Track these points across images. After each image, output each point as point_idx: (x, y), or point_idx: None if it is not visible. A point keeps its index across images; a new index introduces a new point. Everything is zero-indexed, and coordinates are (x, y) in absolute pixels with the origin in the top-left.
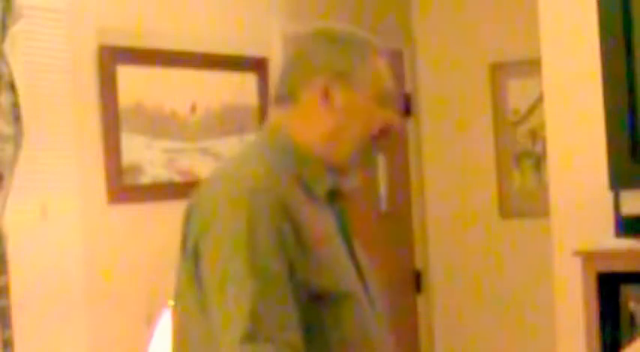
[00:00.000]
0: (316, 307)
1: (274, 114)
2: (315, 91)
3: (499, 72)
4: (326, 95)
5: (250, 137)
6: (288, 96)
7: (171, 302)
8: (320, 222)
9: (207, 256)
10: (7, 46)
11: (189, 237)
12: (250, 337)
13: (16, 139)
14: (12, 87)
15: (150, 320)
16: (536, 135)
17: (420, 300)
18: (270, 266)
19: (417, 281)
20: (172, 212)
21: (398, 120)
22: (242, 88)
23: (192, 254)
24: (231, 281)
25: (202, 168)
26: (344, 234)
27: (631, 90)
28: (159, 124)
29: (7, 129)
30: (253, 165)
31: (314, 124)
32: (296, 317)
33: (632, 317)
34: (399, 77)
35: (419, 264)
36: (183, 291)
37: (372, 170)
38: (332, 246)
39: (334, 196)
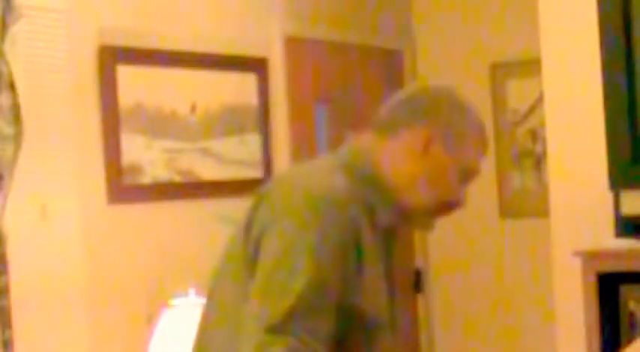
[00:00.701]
0: (349, 328)
1: (368, 137)
2: (419, 135)
3: (499, 72)
4: (427, 143)
5: (337, 149)
6: (389, 127)
7: (198, 296)
8: (375, 250)
9: (270, 246)
10: (7, 46)
11: (255, 225)
12: (278, 329)
13: (16, 139)
14: (12, 87)
15: (150, 320)
16: (536, 135)
17: (420, 300)
18: (325, 274)
19: (417, 281)
20: (172, 212)
21: (465, 197)
22: (242, 88)
23: (253, 243)
24: (283, 274)
25: (202, 168)
26: (387, 269)
27: (631, 90)
28: (159, 124)
29: (7, 129)
30: (333, 177)
31: (402, 163)
32: (328, 330)
33: (632, 317)
34: (399, 77)
35: (419, 264)
36: (230, 277)
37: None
38: (378, 274)
39: (388, 235)
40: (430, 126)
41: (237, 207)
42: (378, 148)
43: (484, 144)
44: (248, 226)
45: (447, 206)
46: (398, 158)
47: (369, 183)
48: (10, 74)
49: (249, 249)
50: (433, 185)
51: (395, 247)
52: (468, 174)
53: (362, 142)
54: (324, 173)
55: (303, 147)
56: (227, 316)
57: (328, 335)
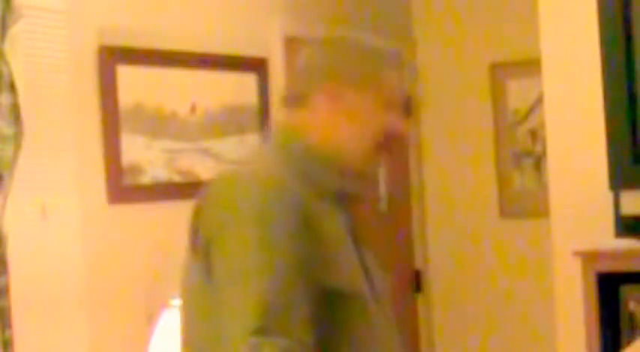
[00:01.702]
0: (326, 306)
1: (284, 115)
2: (326, 94)
3: (499, 72)
4: (335, 98)
5: (259, 137)
6: (299, 99)
7: (178, 302)
8: (331, 222)
9: (222, 251)
10: (7, 46)
11: (201, 234)
12: (261, 330)
13: (16, 139)
14: (12, 87)
15: (150, 320)
16: (536, 135)
17: (420, 300)
18: (283, 262)
19: (417, 281)
20: (172, 212)
21: (403, 125)
22: (242, 88)
23: (204, 250)
24: (245, 275)
25: (202, 168)
26: (353, 236)
27: (631, 90)
28: (159, 124)
29: (7, 129)
30: (267, 166)
31: (323, 127)
32: (307, 314)
33: (632, 317)
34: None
35: (419, 264)
36: (191, 289)
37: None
38: (342, 247)
39: (344, 199)
40: (329, 79)
41: None
42: (298, 121)
43: (394, 66)
44: (194, 233)
45: (387, 139)
46: (318, 123)
47: (306, 158)
48: (10, 74)
49: (200, 255)
50: (358, 127)
51: (356, 217)
52: (393, 104)
53: (283, 120)
54: (255, 164)
55: None
56: (199, 322)
57: (310, 319)
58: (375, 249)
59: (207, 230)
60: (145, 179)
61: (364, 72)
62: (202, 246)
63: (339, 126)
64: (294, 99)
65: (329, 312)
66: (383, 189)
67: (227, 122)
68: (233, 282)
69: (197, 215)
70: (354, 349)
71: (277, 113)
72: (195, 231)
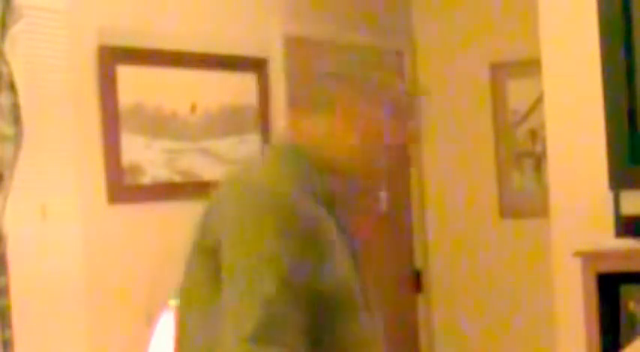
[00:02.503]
0: (321, 312)
1: (293, 122)
2: (335, 107)
3: (499, 72)
4: (333, 103)
5: (268, 138)
6: (313, 104)
7: (175, 300)
8: (332, 231)
9: (228, 254)
10: (7, 46)
11: (209, 234)
12: (256, 337)
13: (16, 139)
14: (12, 87)
15: (150, 320)
16: (536, 135)
17: (420, 300)
18: (287, 270)
19: (417, 281)
20: (172, 212)
21: (403, 136)
22: (242, 88)
23: (212, 251)
24: (247, 281)
25: (202, 168)
26: (350, 243)
27: (631, 90)
28: (159, 124)
29: (7, 129)
30: (273, 170)
31: (336, 135)
32: (303, 322)
33: (632, 317)
34: (399, 77)
35: (419, 264)
36: (193, 290)
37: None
38: (341, 256)
39: (345, 207)
40: (346, 91)
41: None
42: (308, 127)
43: (393, 68)
44: (202, 235)
45: (380, 142)
46: (330, 130)
47: (309, 166)
48: (10, 74)
49: (208, 256)
50: (351, 128)
51: (351, 222)
52: (402, 112)
53: (291, 127)
54: (263, 169)
55: None
56: (197, 324)
57: (305, 326)
58: (375, 250)
59: (216, 233)
60: (145, 179)
61: (375, 82)
62: (211, 248)
63: (331, 127)
64: (308, 104)
65: (320, 318)
66: (383, 189)
67: (227, 122)
68: (235, 286)
69: (206, 216)
70: None
71: (287, 115)
72: (203, 232)
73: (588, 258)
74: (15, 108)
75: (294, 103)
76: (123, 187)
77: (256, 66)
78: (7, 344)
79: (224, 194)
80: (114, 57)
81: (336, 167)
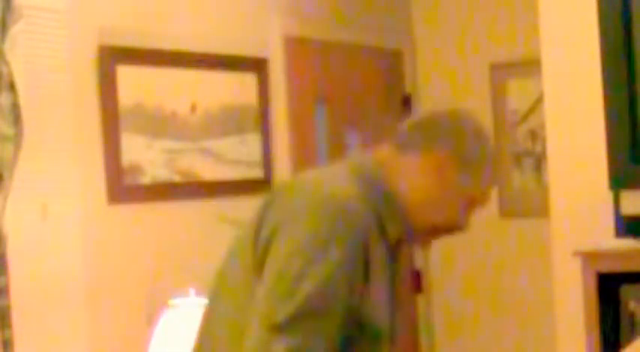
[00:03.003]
0: (355, 335)
1: (385, 152)
2: (436, 158)
3: (499, 72)
4: (443, 167)
5: (351, 157)
6: (408, 145)
7: (206, 297)
8: (382, 260)
9: (279, 248)
10: (7, 46)
11: (265, 225)
12: (281, 329)
13: (16, 139)
14: (12, 87)
15: (150, 320)
16: (536, 135)
17: (420, 300)
18: (333, 278)
19: (417, 281)
20: (172, 212)
21: (467, 228)
22: (242, 88)
23: (263, 243)
24: (292, 276)
25: (202, 168)
26: (393, 281)
27: (631, 90)
28: (159, 124)
29: (7, 129)
30: (347, 184)
31: (415, 182)
32: (333, 335)
33: (632, 317)
34: (399, 77)
35: (419, 264)
36: (236, 277)
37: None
38: (383, 286)
39: (397, 244)
40: (448, 151)
41: (237, 207)
42: (394, 163)
43: (495, 175)
44: (258, 227)
45: (450, 229)
46: (412, 176)
47: (380, 196)
48: (10, 74)
49: (258, 249)
50: (441, 208)
51: (400, 261)
52: (476, 202)
53: (378, 155)
54: (338, 180)
55: (303, 147)
56: (232, 317)
57: (334, 340)
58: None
59: (271, 226)
60: (145, 179)
61: (477, 162)
62: (263, 239)
63: (426, 191)
64: (403, 142)
65: (353, 337)
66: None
67: (227, 122)
68: (278, 280)
69: (265, 210)
70: None
71: (382, 147)
72: (258, 226)
73: (588, 257)
74: (15, 108)
75: (395, 137)
76: (123, 187)
77: (256, 66)
78: (7, 344)
79: (288, 193)
80: (114, 57)
81: (404, 210)
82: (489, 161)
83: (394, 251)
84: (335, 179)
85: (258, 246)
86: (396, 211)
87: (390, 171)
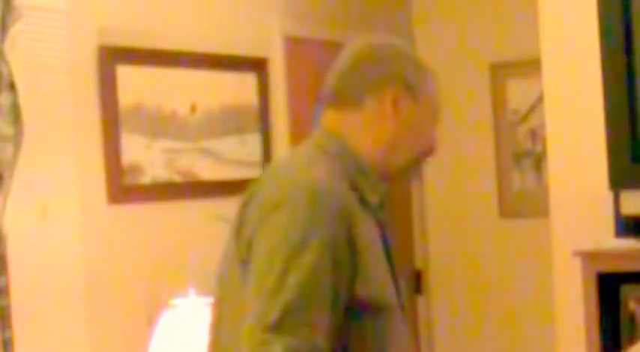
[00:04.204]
0: (358, 315)
1: (330, 116)
2: (384, 100)
3: (499, 72)
4: (395, 103)
5: (307, 137)
6: (349, 100)
7: (211, 298)
8: (370, 231)
9: (261, 245)
10: (7, 46)
11: (246, 224)
12: (276, 327)
13: (16, 139)
14: (12, 87)
15: (150, 320)
16: (536, 135)
17: (420, 300)
18: (317, 266)
19: (417, 281)
20: (172, 212)
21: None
22: (242, 88)
23: (246, 242)
24: (276, 271)
25: (202, 168)
26: (385, 244)
27: (631, 90)
28: (159, 124)
29: (7, 129)
30: (316, 167)
31: (375, 132)
32: (329, 321)
33: (632, 317)
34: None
35: (419, 264)
36: (228, 278)
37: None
38: (378, 257)
39: (381, 207)
40: (390, 85)
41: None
42: (347, 125)
43: (435, 78)
44: (239, 226)
45: (428, 152)
46: (369, 128)
47: (352, 164)
48: (10, 74)
49: (242, 249)
50: (412, 139)
51: (387, 221)
52: (436, 117)
53: (329, 125)
54: (305, 164)
55: None
56: (231, 317)
57: (331, 328)
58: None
59: (251, 225)
60: (145, 179)
61: (420, 80)
62: (245, 241)
63: (391, 133)
64: (342, 99)
65: (358, 321)
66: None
67: (227, 122)
68: (262, 277)
69: (244, 208)
70: None
71: (321, 112)
72: (240, 225)
73: (588, 257)
74: (15, 108)
75: (330, 96)
76: (123, 187)
77: (256, 66)
78: (7, 344)
79: (261, 188)
80: (114, 57)
81: (378, 167)
82: (426, 70)
83: (380, 217)
84: (302, 164)
85: (242, 246)
86: (371, 174)
87: (348, 134)
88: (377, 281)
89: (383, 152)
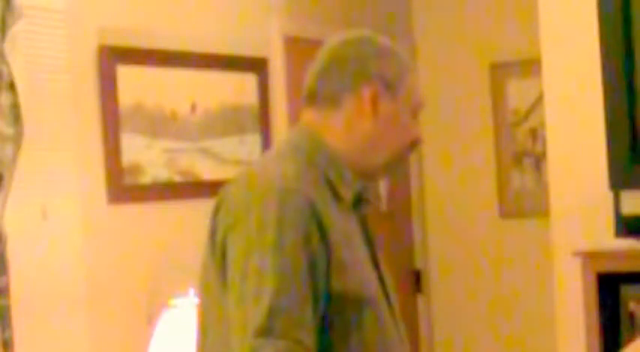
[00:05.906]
0: (338, 310)
1: (309, 115)
2: (362, 97)
3: (499, 72)
4: (374, 101)
5: (282, 136)
6: (327, 99)
7: (196, 300)
8: (345, 226)
9: (233, 251)
10: (7, 46)
11: (218, 231)
12: (264, 332)
13: (16, 139)
14: (12, 87)
15: (150, 320)
16: (536, 135)
17: (420, 300)
18: (293, 266)
19: (417, 281)
20: (172, 212)
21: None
22: (242, 88)
23: (220, 248)
24: (253, 276)
25: (202, 168)
26: (367, 239)
27: (631, 90)
28: (159, 124)
29: (7, 129)
30: (284, 166)
31: (354, 130)
32: (313, 318)
33: (632, 317)
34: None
35: (419, 264)
36: (209, 285)
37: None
38: (356, 251)
39: (359, 202)
40: (368, 83)
41: None
42: (325, 124)
43: (415, 72)
44: (212, 233)
45: (410, 147)
46: (347, 126)
47: (326, 162)
48: (10, 74)
49: (217, 255)
50: (392, 136)
51: (369, 219)
52: (417, 109)
53: (306, 123)
54: (273, 164)
55: None
56: (215, 326)
57: (316, 323)
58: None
59: (223, 230)
60: (145, 179)
61: (398, 74)
62: (218, 244)
63: (371, 132)
64: (320, 99)
65: (340, 316)
66: (383, 189)
67: (227, 122)
68: (240, 283)
69: (216, 213)
70: None
71: (300, 111)
72: (213, 231)
73: (588, 257)
74: (15, 108)
75: (309, 96)
76: (123, 187)
77: (256, 66)
78: (7, 344)
79: (233, 193)
80: (114, 57)
81: (356, 164)
82: (406, 65)
83: (359, 211)
84: (272, 163)
85: (216, 252)
86: (345, 169)
87: (325, 133)
88: (354, 275)
89: (362, 151)
